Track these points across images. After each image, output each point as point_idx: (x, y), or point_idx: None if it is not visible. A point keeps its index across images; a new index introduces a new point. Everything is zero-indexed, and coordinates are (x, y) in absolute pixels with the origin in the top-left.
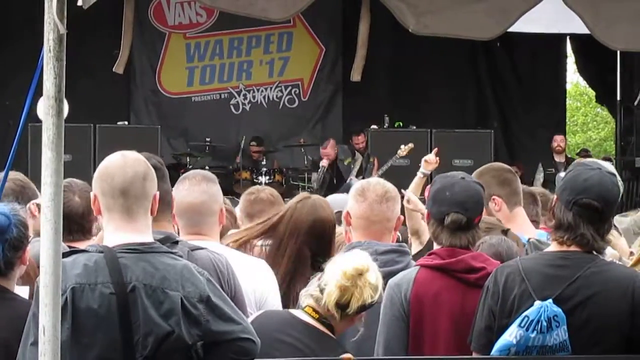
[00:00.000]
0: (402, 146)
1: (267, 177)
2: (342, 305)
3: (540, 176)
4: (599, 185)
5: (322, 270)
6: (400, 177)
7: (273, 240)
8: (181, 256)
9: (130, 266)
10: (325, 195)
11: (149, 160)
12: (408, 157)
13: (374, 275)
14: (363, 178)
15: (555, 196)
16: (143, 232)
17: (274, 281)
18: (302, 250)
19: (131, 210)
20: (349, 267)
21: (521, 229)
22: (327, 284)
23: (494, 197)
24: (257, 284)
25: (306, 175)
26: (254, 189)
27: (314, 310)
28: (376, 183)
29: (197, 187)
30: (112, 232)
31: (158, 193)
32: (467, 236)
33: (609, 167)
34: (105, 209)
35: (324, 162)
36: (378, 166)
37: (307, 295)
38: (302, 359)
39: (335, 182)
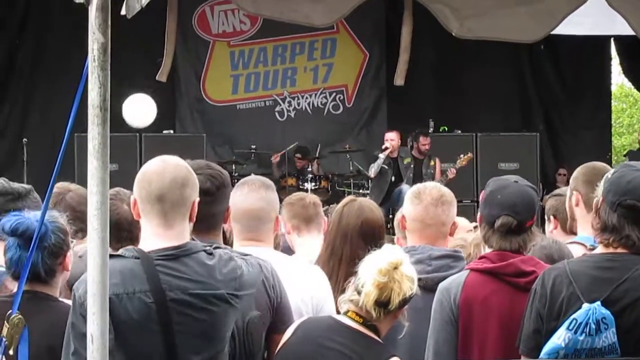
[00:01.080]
0: (461, 155)
1: (313, 184)
2: (383, 303)
3: None
4: None
5: (355, 273)
6: (454, 186)
7: (324, 245)
8: (216, 248)
9: (168, 273)
10: (382, 188)
11: (204, 184)
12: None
13: (409, 267)
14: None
15: (601, 198)
16: (179, 239)
17: (329, 288)
18: (356, 254)
19: (168, 216)
20: (383, 263)
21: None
22: (363, 284)
23: (574, 191)
24: (314, 291)
25: (352, 180)
26: (303, 200)
27: (356, 314)
28: (433, 186)
29: (255, 194)
30: (149, 237)
31: (198, 199)
32: (518, 240)
33: None
34: (143, 214)
35: (383, 154)
36: (440, 170)
37: (345, 301)
38: None
39: (394, 179)
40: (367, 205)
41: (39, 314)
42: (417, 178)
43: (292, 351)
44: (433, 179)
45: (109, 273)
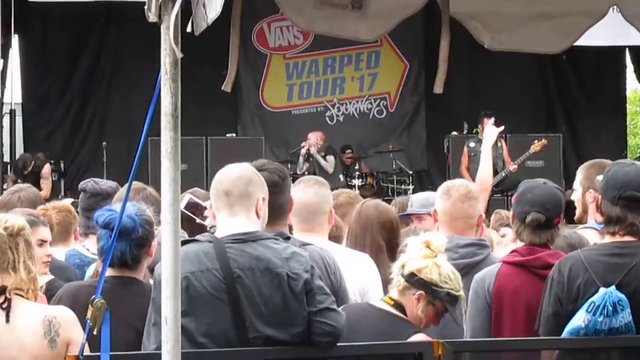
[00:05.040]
0: (535, 141)
1: (360, 180)
2: (416, 277)
3: None
4: (637, 177)
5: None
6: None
7: (350, 237)
8: (286, 238)
9: (236, 254)
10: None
11: (271, 177)
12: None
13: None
14: (498, 164)
15: (600, 196)
16: (245, 227)
17: (375, 274)
18: (378, 241)
19: (233, 207)
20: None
21: None
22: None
23: (591, 189)
24: (360, 276)
25: (395, 177)
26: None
27: (390, 298)
28: (460, 184)
29: (310, 189)
30: (220, 227)
31: (262, 197)
32: (547, 235)
33: None
34: (216, 210)
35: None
36: (509, 152)
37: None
38: (373, 343)
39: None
40: (380, 202)
41: (125, 295)
42: None
43: None
44: (503, 161)
45: (187, 255)
